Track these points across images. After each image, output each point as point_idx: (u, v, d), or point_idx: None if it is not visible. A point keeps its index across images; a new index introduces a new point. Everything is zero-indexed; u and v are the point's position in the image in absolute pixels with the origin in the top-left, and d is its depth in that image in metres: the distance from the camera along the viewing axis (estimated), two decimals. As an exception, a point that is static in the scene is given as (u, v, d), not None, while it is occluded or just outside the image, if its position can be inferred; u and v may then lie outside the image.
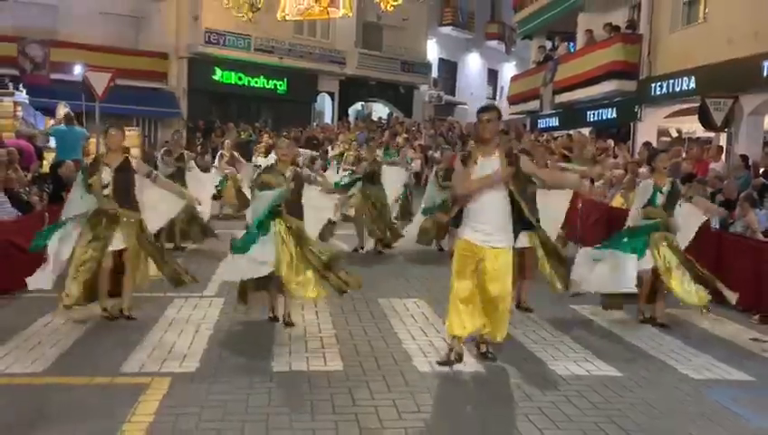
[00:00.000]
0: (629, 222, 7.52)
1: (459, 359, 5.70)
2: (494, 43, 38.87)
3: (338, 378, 5.34)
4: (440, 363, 5.69)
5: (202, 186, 11.04)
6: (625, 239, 7.34)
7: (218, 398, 4.86)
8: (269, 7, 23.76)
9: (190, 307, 7.33)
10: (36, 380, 5.17)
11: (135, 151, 12.94)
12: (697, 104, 14.18)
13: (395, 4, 21.50)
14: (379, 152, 12.81)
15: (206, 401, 4.79)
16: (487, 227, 5.49)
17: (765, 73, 12.57)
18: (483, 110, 5.77)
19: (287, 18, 24.38)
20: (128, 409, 4.59)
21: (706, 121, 13.86)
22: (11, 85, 15.43)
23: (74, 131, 14.55)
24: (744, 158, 12.34)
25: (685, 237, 7.51)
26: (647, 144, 14.90)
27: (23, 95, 15.44)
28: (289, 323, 6.74)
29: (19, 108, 14.88)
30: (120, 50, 24.46)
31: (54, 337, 6.18)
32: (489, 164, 5.50)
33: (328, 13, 23.65)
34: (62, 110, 15.76)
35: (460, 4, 36.31)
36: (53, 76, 22.26)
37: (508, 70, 38.36)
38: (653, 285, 7.31)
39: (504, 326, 5.69)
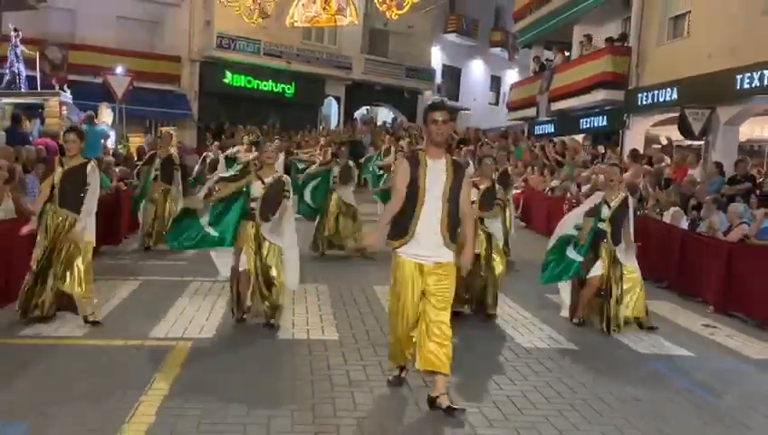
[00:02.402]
0: (568, 222, 7.78)
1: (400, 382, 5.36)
2: (497, 50, 39.70)
3: (333, 345, 6.28)
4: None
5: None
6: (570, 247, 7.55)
7: (233, 357, 5.82)
8: (278, 14, 24.66)
9: (205, 289, 8.26)
10: (79, 341, 6.14)
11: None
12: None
13: (399, 13, 22.32)
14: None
15: (223, 359, 5.76)
16: (429, 243, 4.90)
17: (738, 87, 13.49)
18: (434, 108, 4.96)
19: (296, 24, 25.23)
20: (159, 363, 5.54)
21: (686, 130, 14.77)
22: (57, 86, 16.38)
23: (94, 131, 15.53)
24: (719, 165, 13.24)
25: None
26: (633, 151, 15.84)
27: (67, 95, 16.40)
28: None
29: (64, 107, 15.92)
30: (135, 53, 25.42)
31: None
32: (437, 168, 4.90)
33: (335, 20, 24.43)
34: (105, 110, 16.71)
35: (465, 12, 37.28)
36: (71, 78, 23.27)
37: (511, 76, 39.21)
38: (599, 291, 7.46)
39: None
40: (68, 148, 6.86)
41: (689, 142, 17.80)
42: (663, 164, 14.87)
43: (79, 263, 6.65)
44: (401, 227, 4.94)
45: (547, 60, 24.18)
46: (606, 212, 7.35)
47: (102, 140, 15.71)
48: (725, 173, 13.25)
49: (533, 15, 24.26)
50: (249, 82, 29.12)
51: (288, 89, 30.33)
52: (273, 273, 6.65)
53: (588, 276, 7.45)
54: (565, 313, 7.77)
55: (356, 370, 5.62)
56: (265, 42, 28.36)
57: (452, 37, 37.43)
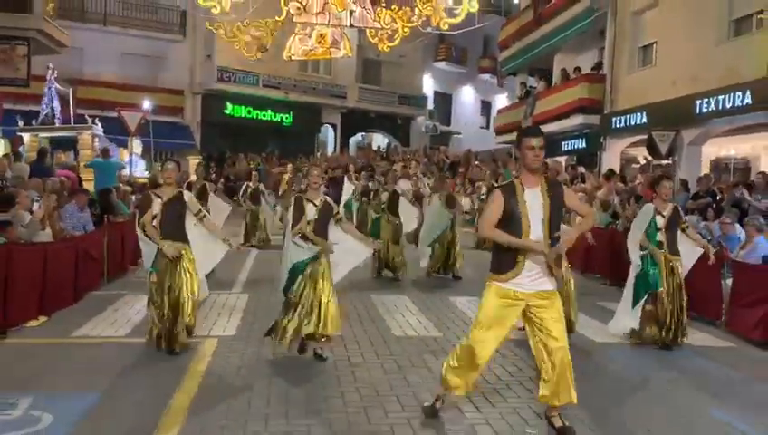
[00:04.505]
0: (630, 245, 7.92)
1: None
2: (486, 77, 41.20)
3: (336, 338, 7.44)
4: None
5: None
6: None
7: (252, 349, 7.00)
8: (276, 47, 26.05)
9: (223, 299, 9.48)
10: (123, 340, 7.34)
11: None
12: (650, 136, 16.44)
13: (390, 45, 23.66)
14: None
15: (244, 351, 6.94)
16: (535, 269, 4.80)
17: (698, 111, 14.84)
18: (530, 133, 4.90)
19: (293, 58, 26.58)
20: (191, 355, 6.72)
21: (654, 151, 16.08)
22: (89, 120, 17.70)
23: (110, 163, 16.84)
24: (684, 182, 14.54)
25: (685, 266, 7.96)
26: (608, 171, 17.16)
27: (98, 128, 17.71)
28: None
29: (96, 139, 17.23)
30: (141, 87, 26.74)
31: (125, 317, 8.32)
32: (534, 196, 4.79)
33: (330, 53, 25.75)
34: (134, 142, 18.02)
35: (454, 41, 38.77)
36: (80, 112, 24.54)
37: (500, 101, 40.65)
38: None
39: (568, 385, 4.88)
40: (165, 176, 7.00)
41: (666, 162, 19.19)
42: (636, 182, 16.19)
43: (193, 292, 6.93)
44: (508, 259, 4.82)
45: (531, 87, 25.58)
46: (661, 221, 7.64)
47: (118, 171, 16.97)
48: (690, 189, 14.56)
49: (517, 45, 25.73)
50: (249, 112, 30.57)
51: (286, 118, 31.75)
52: (323, 299, 6.58)
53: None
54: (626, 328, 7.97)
55: (355, 356, 6.84)
56: (264, 74, 29.84)
57: (442, 65, 38.97)
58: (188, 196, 7.09)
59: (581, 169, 19.53)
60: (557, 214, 4.86)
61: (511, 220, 4.76)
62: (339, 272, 6.93)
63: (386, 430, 4.92)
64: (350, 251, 6.95)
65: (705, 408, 5.78)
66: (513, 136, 19.65)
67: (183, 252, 6.81)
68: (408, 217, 11.89)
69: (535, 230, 4.73)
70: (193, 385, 5.83)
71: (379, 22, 20.42)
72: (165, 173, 7.03)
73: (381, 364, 6.59)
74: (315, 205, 6.66)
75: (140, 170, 18.29)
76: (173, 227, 6.82)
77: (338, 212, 6.90)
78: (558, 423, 4.94)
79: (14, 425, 4.86)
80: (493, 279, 4.89)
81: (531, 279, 4.77)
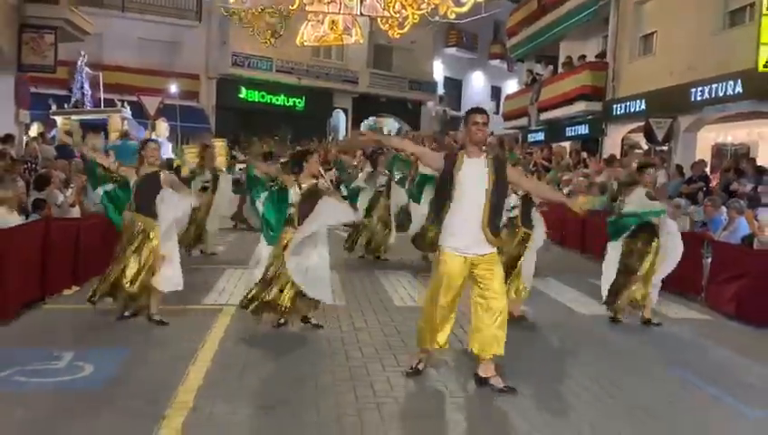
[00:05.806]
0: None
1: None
2: (496, 62, 41.58)
3: (343, 308, 8.24)
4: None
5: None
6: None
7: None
8: (289, 33, 26.75)
9: (239, 273, 10.22)
10: (150, 307, 8.12)
11: (222, 160, 13.79)
12: (649, 122, 17.05)
13: (401, 32, 24.33)
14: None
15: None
16: (466, 237, 5.35)
17: (693, 99, 15.45)
18: (474, 111, 5.42)
19: (305, 44, 27.29)
20: (213, 321, 7.49)
21: (651, 137, 16.71)
22: (118, 104, 18.47)
23: (128, 145, 17.58)
24: (679, 167, 15.17)
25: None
26: (609, 156, 17.80)
27: (127, 111, 18.50)
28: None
29: (125, 122, 18.05)
30: (158, 72, 27.53)
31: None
32: (475, 163, 5.32)
33: (342, 39, 26.45)
34: (162, 124, 18.82)
35: (464, 27, 39.20)
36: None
37: (511, 86, 41.03)
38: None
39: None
40: (147, 155, 7.22)
41: (663, 147, 19.77)
42: (633, 166, 16.82)
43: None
44: (440, 220, 5.51)
45: (537, 74, 26.14)
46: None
47: (135, 153, 17.76)
48: (685, 174, 15.18)
49: (525, 33, 26.27)
50: (263, 96, 31.33)
51: (299, 102, 32.47)
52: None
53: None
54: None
55: (359, 322, 7.62)
56: (277, 59, 30.55)
57: (452, 51, 39.44)
58: (166, 175, 7.28)
59: (584, 154, 20.14)
60: (502, 184, 5.38)
61: (444, 184, 5.42)
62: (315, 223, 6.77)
63: (383, 380, 5.68)
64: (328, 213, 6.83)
65: (664, 366, 6.52)
66: (521, 122, 20.55)
67: (141, 225, 7.13)
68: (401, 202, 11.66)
69: (477, 198, 5.26)
70: (214, 343, 6.61)
71: (389, 10, 21.03)
72: (147, 152, 7.22)
73: (382, 329, 7.36)
74: (300, 188, 6.82)
75: (168, 152, 19.01)
76: (145, 202, 7.11)
77: (329, 187, 6.99)
78: (500, 386, 5.43)
79: (62, 372, 5.66)
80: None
81: (466, 243, 5.33)
